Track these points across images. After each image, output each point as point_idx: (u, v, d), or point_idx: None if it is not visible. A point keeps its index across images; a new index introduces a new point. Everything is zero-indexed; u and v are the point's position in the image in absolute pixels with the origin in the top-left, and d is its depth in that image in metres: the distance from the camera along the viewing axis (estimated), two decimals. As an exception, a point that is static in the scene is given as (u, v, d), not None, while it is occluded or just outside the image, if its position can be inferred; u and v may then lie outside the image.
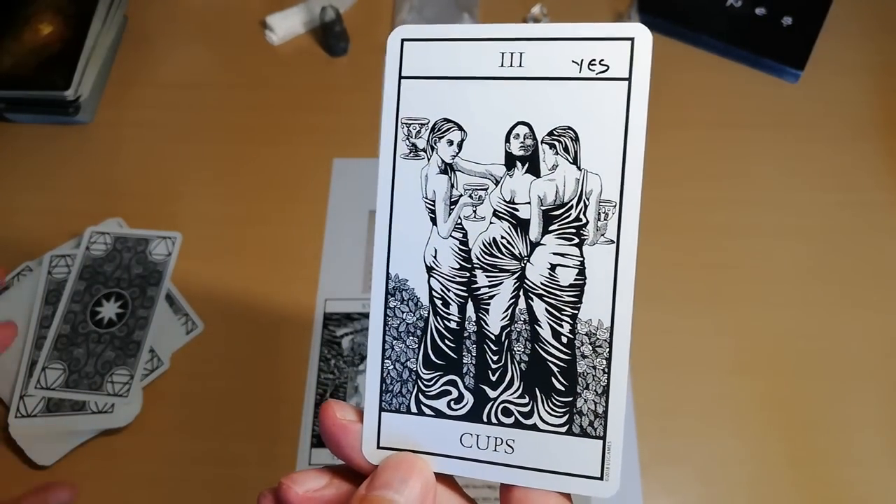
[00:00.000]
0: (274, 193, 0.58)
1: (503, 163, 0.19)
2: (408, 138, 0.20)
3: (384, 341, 0.21)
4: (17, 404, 0.48)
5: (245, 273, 0.55)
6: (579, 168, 0.19)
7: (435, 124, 0.20)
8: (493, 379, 0.20)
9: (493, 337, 0.20)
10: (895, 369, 0.49)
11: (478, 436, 0.20)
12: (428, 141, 0.20)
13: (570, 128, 0.19)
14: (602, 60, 0.19)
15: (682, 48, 0.64)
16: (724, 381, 0.49)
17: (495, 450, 0.20)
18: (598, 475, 0.19)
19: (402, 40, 0.21)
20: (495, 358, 0.20)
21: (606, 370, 0.20)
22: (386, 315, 0.20)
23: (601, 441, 0.19)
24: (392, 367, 0.21)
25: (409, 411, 0.20)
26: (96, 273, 0.53)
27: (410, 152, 0.20)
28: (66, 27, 0.62)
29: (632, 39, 0.19)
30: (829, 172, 0.57)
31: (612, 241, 0.19)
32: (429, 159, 0.20)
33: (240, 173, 0.59)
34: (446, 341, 0.20)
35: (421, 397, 0.20)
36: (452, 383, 0.20)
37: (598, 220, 0.19)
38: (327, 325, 0.52)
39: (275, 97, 0.63)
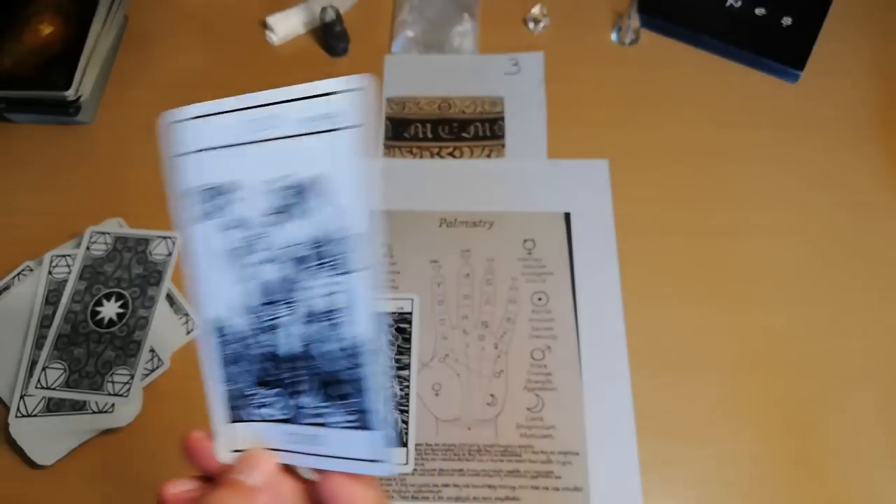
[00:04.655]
0: (274, 193, 0.58)
1: (275, 213, 0.23)
2: (195, 205, 0.24)
3: (219, 369, 0.25)
4: (18, 404, 0.48)
5: (245, 273, 0.55)
6: (333, 209, 0.22)
7: (213, 189, 0.23)
8: (302, 389, 0.24)
9: (296, 356, 0.24)
10: (895, 369, 0.49)
11: (297, 434, 0.25)
12: (212, 204, 0.24)
13: (320, 175, 0.22)
14: (334, 113, 0.21)
15: (682, 48, 0.64)
16: (724, 381, 0.49)
17: (311, 444, 0.25)
18: (381, 458, 0.24)
19: (171, 123, 0.25)
20: (301, 373, 0.24)
21: (376, 375, 0.23)
22: (217, 345, 0.25)
23: (380, 432, 0.24)
24: (229, 388, 0.26)
25: (249, 420, 0.25)
26: (97, 273, 0.53)
27: (200, 216, 0.24)
28: (66, 27, 0.62)
29: (355, 90, 0.21)
30: (829, 172, 0.57)
31: (366, 268, 0.22)
32: (215, 220, 0.24)
33: (240, 173, 0.59)
34: (265, 363, 0.25)
35: (254, 409, 0.25)
36: (275, 395, 0.25)
37: (354, 251, 0.22)
38: (327, 325, 0.52)
39: (275, 97, 0.63)
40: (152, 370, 0.50)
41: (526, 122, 0.61)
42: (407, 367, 0.51)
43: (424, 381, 0.50)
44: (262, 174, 0.22)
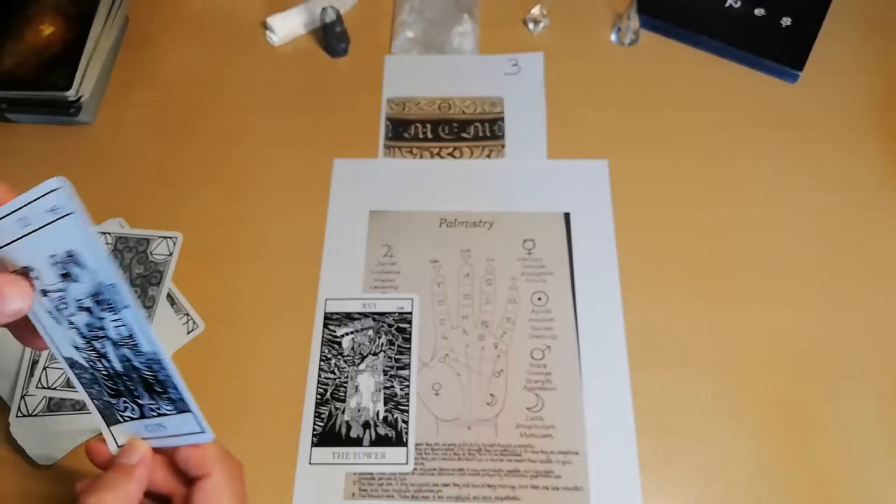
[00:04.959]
0: (274, 193, 0.58)
1: (62, 280, 0.30)
2: None
3: (85, 390, 0.34)
4: (19, 403, 0.48)
5: (245, 273, 0.55)
6: (89, 271, 0.29)
7: (24, 269, 0.30)
8: (138, 394, 0.33)
9: (121, 373, 0.33)
10: (895, 369, 0.50)
11: (150, 424, 0.34)
12: (29, 279, 0.31)
13: (70, 249, 0.29)
14: (57, 206, 0.28)
15: (681, 48, 0.64)
16: (723, 381, 0.50)
17: (161, 430, 0.34)
18: (200, 430, 0.33)
19: None
20: (129, 384, 0.33)
21: (172, 375, 0.32)
22: (76, 376, 0.33)
23: (190, 413, 0.33)
24: (97, 402, 0.34)
25: (123, 421, 0.34)
26: (97, 273, 0.53)
27: None
28: (67, 28, 0.62)
29: (56, 189, 0.27)
30: (828, 172, 0.57)
31: (128, 305, 0.30)
32: (35, 290, 0.31)
33: (240, 173, 0.59)
34: (108, 382, 0.33)
35: (119, 413, 0.34)
36: (126, 402, 0.34)
37: (116, 296, 0.30)
38: (327, 325, 0.52)
39: (275, 97, 0.63)
40: (153, 370, 0.50)
41: (526, 123, 0.61)
42: (407, 366, 0.51)
43: (424, 381, 0.50)
44: (41, 255, 0.29)
